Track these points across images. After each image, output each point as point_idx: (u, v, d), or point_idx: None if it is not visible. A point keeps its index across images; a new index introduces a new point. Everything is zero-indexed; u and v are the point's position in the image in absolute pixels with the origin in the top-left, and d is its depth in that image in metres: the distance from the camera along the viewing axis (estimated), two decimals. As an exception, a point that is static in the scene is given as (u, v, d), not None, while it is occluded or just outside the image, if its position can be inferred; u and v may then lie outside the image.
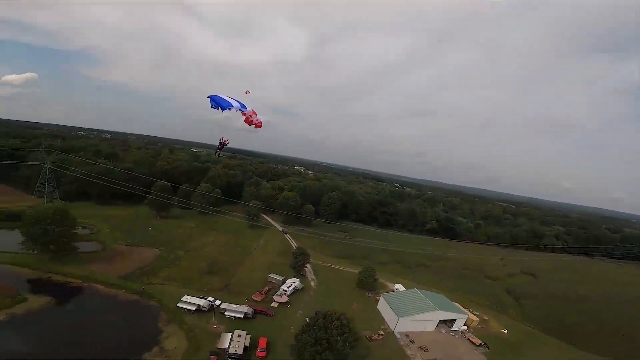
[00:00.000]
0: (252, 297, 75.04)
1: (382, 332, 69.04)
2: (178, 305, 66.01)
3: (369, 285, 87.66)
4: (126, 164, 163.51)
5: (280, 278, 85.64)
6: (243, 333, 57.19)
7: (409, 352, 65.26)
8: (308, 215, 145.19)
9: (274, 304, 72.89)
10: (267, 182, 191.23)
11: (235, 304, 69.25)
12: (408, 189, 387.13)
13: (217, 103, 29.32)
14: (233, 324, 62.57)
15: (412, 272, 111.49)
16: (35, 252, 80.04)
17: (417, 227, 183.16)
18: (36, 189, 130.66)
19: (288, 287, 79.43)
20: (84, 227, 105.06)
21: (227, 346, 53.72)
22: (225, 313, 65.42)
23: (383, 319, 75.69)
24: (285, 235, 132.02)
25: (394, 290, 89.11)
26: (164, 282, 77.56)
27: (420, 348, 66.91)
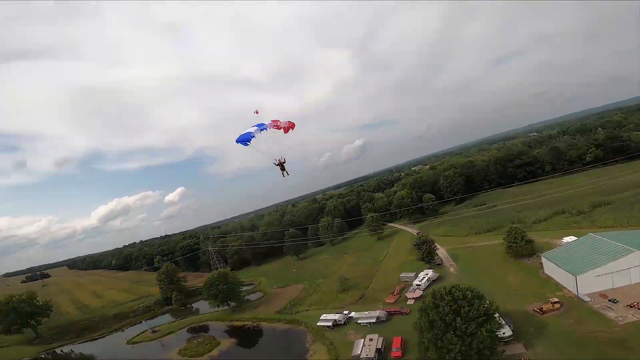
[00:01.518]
0: (385, 300, 71.04)
1: (557, 300, 52.10)
2: (317, 324, 68.80)
3: (523, 251, 69.66)
4: (262, 227, 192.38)
5: (411, 274, 78.85)
6: (375, 336, 53.74)
7: (611, 314, 46.51)
8: (428, 204, 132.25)
9: (409, 302, 66.45)
10: (382, 192, 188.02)
11: (369, 311, 66.98)
12: (546, 132, 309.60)
13: (242, 141, 29.45)
14: (368, 330, 59.92)
15: (589, 218, 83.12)
16: (220, 308, 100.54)
17: (574, 164, 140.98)
18: (212, 267, 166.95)
19: (421, 281, 71.57)
20: (248, 284, 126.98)
21: (359, 352, 51.21)
22: (359, 322, 63.90)
23: (557, 284, 57.70)
24: (421, 235, 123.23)
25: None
26: (308, 308, 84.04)
27: (631, 306, 46.78)
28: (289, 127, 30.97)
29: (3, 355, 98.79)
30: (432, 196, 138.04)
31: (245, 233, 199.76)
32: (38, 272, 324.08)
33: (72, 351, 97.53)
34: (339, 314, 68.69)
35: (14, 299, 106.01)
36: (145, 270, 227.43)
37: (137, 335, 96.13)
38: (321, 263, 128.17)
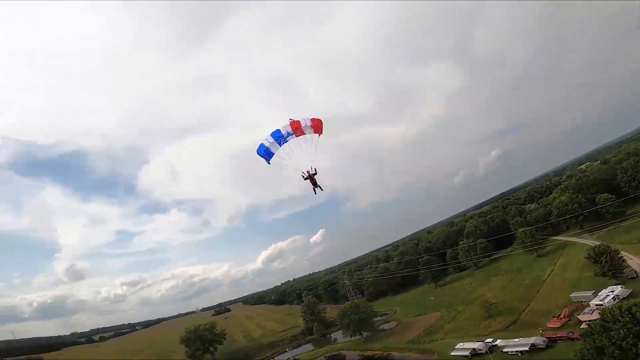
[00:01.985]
0: (548, 325, 52.82)
1: None
2: (452, 353, 57.15)
3: None
4: (396, 257, 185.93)
5: (588, 293, 56.96)
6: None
7: None
8: (605, 206, 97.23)
9: (583, 326, 47.26)
10: (537, 202, 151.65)
11: (521, 337, 51.16)
12: None
13: (262, 155, 24.86)
14: (519, 360, 45.17)
15: None
16: (354, 337, 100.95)
17: None
18: (349, 299, 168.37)
19: (602, 300, 50.50)
20: (383, 314, 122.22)
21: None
22: (506, 350, 49.34)
23: None
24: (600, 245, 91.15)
25: None
26: (444, 336, 73.17)
27: None
28: (317, 125, 24.46)
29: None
30: (610, 195, 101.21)
31: (379, 265, 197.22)
32: (223, 307, 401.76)
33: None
34: (479, 342, 55.25)
35: (200, 327, 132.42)
36: (296, 303, 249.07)
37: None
38: (463, 288, 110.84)
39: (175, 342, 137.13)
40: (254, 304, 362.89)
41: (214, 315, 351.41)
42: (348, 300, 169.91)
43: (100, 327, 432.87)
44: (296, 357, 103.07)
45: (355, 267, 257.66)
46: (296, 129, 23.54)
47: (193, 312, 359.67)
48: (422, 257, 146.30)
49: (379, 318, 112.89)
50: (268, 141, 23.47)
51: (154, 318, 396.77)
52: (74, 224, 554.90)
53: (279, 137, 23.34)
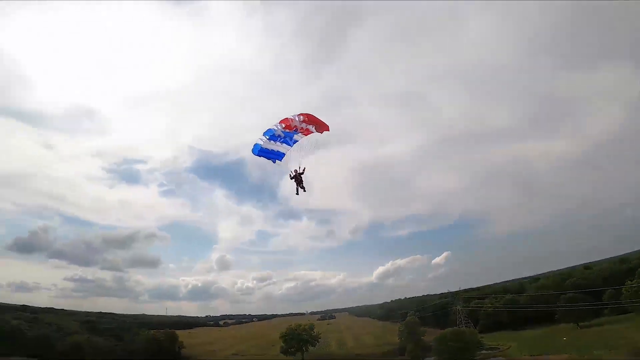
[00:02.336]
0: None
1: None
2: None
3: None
4: (532, 290, 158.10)
5: None
6: None
7: None
8: None
9: None
10: None
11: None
12: None
13: (259, 154, 24.76)
14: None
15: None
16: None
17: None
18: (457, 325, 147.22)
19: None
20: (491, 348, 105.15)
21: None
22: None
23: None
24: None
25: None
26: None
27: None
28: (314, 120, 23.42)
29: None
30: None
31: (506, 295, 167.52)
32: (329, 314, 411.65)
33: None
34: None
35: (300, 327, 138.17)
36: (400, 321, 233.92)
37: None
38: (612, 332, 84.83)
39: (278, 337, 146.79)
40: (359, 316, 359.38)
41: (319, 319, 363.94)
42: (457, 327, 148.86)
43: (227, 314, 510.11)
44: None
45: (476, 294, 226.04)
46: (287, 126, 23.03)
47: (302, 314, 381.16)
48: (566, 294, 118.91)
49: (484, 351, 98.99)
50: (262, 140, 23.33)
51: (270, 313, 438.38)
52: (230, 222, 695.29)
53: (273, 137, 23.03)
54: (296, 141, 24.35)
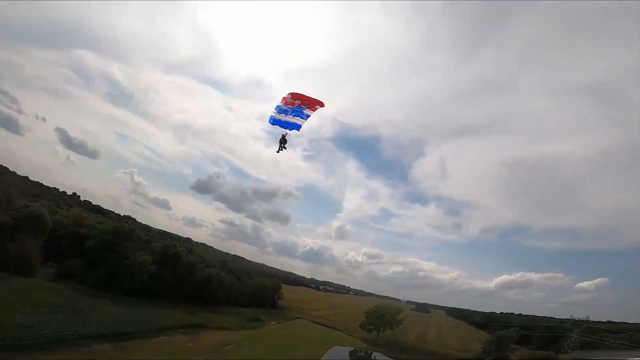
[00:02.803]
0: None
1: None
2: None
3: None
4: None
5: None
6: None
7: None
8: None
9: None
10: None
11: None
12: None
13: (274, 123, 30.55)
14: None
15: None
16: None
17: None
18: (563, 351, 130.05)
19: None
20: None
21: None
22: None
23: None
24: None
25: None
26: None
27: None
28: (303, 98, 28.20)
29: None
30: None
31: None
32: (425, 307, 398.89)
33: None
34: None
35: (387, 308, 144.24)
36: (495, 332, 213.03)
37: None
38: None
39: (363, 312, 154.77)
40: (455, 317, 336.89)
41: (412, 309, 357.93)
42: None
43: (330, 281, 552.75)
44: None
45: (614, 328, 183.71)
46: (286, 102, 29.45)
47: (398, 300, 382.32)
48: None
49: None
50: (274, 113, 30.32)
51: (367, 291, 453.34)
52: (356, 194, 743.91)
53: (281, 110, 29.74)
54: (308, 115, 29.92)
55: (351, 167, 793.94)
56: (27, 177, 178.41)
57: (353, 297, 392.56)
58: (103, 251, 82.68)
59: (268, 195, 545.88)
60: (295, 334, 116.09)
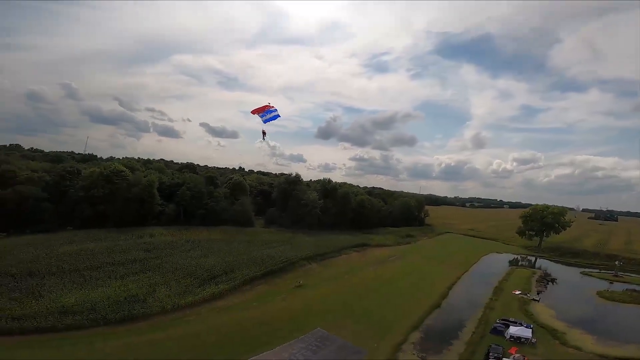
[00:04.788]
0: None
1: None
2: None
3: None
4: None
5: None
6: None
7: None
8: None
9: None
10: None
11: None
12: None
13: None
14: None
15: None
16: None
17: None
18: None
19: None
20: None
21: None
22: None
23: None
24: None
25: None
26: None
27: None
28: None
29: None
30: None
31: None
32: (608, 215, 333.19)
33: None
34: None
35: (548, 210, 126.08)
36: None
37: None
38: None
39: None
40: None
41: (590, 218, 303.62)
42: None
43: (476, 196, 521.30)
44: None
45: None
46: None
47: (571, 209, 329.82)
48: None
49: None
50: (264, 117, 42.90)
51: (526, 202, 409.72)
52: (483, 97, 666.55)
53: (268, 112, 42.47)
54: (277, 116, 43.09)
55: (467, 72, 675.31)
56: (206, 165, 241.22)
57: (507, 211, 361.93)
58: (284, 197, 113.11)
59: (386, 122, 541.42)
60: (449, 244, 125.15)
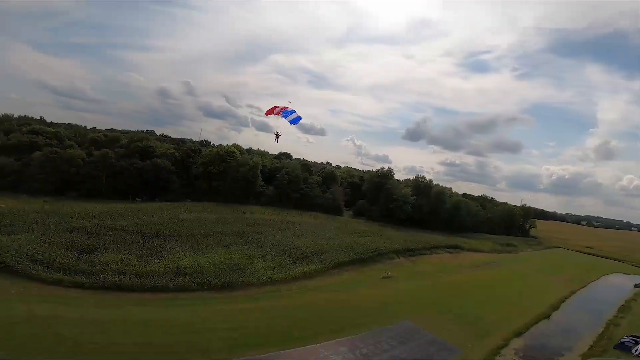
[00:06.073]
0: None
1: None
2: None
3: None
4: None
5: None
6: None
7: None
8: None
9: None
10: None
11: None
12: None
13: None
14: None
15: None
16: None
17: None
18: None
19: None
20: None
21: None
22: None
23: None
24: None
25: None
26: None
27: None
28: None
29: None
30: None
31: None
32: None
33: None
34: None
35: None
36: None
37: None
38: None
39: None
40: None
41: None
42: None
43: (596, 215, 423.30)
44: None
45: None
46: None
47: None
48: None
49: None
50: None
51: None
52: (615, 100, 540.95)
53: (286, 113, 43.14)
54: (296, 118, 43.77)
55: (592, 72, 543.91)
56: (298, 158, 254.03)
57: (636, 234, 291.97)
58: (375, 190, 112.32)
59: (485, 126, 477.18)
60: (560, 259, 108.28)
